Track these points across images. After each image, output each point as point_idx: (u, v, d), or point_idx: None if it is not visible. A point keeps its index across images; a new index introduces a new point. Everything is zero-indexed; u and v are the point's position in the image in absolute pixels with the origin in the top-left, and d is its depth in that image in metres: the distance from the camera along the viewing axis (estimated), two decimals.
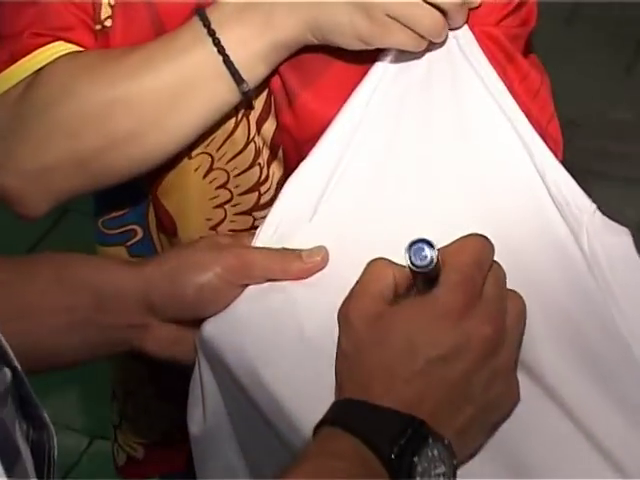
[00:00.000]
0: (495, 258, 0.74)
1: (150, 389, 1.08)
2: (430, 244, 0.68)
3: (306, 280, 0.80)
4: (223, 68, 0.81)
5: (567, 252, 0.76)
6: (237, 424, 0.82)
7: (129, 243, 0.97)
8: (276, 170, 0.88)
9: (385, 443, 0.65)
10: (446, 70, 0.83)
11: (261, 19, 0.81)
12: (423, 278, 0.71)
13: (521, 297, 0.72)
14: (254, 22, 0.81)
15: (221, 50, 0.80)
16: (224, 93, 0.82)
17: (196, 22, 0.82)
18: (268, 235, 0.81)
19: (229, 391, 0.81)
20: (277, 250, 0.80)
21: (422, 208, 0.80)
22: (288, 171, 0.87)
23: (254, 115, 0.87)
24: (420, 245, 0.68)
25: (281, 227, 0.81)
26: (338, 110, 0.83)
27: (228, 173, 0.89)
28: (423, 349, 0.68)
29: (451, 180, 0.80)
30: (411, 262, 0.68)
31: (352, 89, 0.82)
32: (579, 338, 0.74)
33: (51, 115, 0.84)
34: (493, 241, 0.76)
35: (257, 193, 0.89)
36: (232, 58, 0.81)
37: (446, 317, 0.69)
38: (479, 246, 0.72)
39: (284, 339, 0.77)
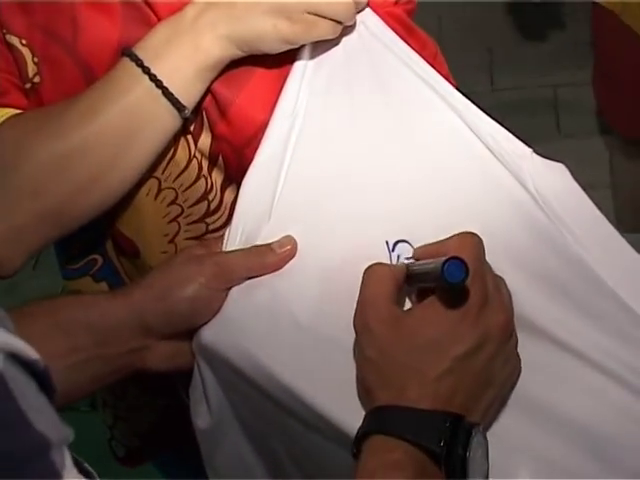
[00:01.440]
0: (453, 220, 0.83)
1: (135, 390, 1.15)
2: (462, 261, 0.72)
3: (280, 272, 0.87)
4: (164, 100, 0.87)
5: (517, 199, 0.84)
6: (243, 414, 0.90)
7: (92, 272, 1.03)
8: (218, 177, 0.95)
9: (436, 445, 0.71)
10: (361, 52, 0.91)
11: (188, 46, 0.86)
12: (437, 281, 0.76)
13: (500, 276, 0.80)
14: (182, 50, 0.87)
15: (159, 84, 0.86)
16: (168, 122, 0.88)
17: (127, 62, 0.87)
18: (235, 239, 0.88)
19: (233, 387, 0.88)
20: (249, 249, 0.87)
21: (369, 183, 0.88)
22: (229, 174, 0.95)
23: (190, 132, 0.93)
24: (453, 263, 0.72)
25: (245, 230, 0.88)
26: (269, 112, 0.90)
27: (176, 190, 0.95)
28: (450, 348, 0.74)
29: (392, 153, 0.88)
30: (446, 279, 0.72)
31: (278, 90, 0.90)
32: (547, 272, 0.83)
33: (10, 179, 0.88)
34: (446, 205, 0.85)
35: (206, 202, 0.96)
36: (170, 89, 0.86)
37: (466, 315, 0.75)
38: (476, 242, 0.78)
39: (281, 330, 0.84)
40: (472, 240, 0.78)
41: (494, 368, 0.76)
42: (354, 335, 0.83)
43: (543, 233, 0.84)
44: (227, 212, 0.96)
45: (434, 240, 0.85)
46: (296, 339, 0.85)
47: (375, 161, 0.89)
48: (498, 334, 0.76)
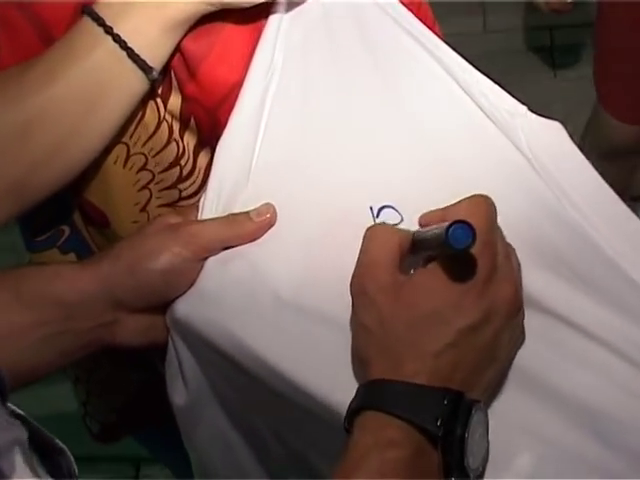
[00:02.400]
0: (441, 184, 0.78)
1: (109, 364, 1.11)
2: (468, 225, 0.66)
3: (258, 241, 0.82)
4: (129, 61, 0.81)
5: (511, 161, 0.79)
6: (221, 390, 0.86)
7: (59, 243, 0.98)
8: (190, 140, 0.90)
9: (432, 424, 0.67)
10: (340, 3, 0.85)
11: (154, 2, 0.81)
12: (442, 248, 0.70)
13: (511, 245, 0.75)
14: (147, 7, 0.81)
15: (123, 44, 0.80)
16: (135, 85, 0.83)
17: (88, 22, 0.81)
18: (212, 207, 0.84)
19: (210, 363, 0.84)
20: (226, 217, 0.83)
21: (352, 146, 0.83)
22: (202, 137, 0.89)
23: (158, 94, 0.87)
24: (459, 227, 0.66)
25: (222, 197, 0.84)
26: (243, 70, 0.84)
27: (146, 156, 0.90)
28: (453, 320, 0.69)
29: (377, 117, 0.83)
30: (450, 244, 0.66)
31: (253, 46, 0.85)
32: (542, 241, 0.78)
33: None
34: (433, 168, 0.81)
35: (178, 167, 0.90)
36: (136, 50, 0.80)
37: (473, 285, 0.70)
38: (488, 206, 0.72)
39: (260, 304, 0.80)
40: (483, 204, 0.73)
41: (499, 343, 0.72)
42: (340, 308, 0.78)
43: (538, 198, 0.79)
44: (201, 177, 0.91)
45: (421, 206, 0.80)
46: (277, 313, 0.80)
47: (359, 123, 0.84)
48: (506, 307, 0.71)
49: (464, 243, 0.66)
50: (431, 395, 0.68)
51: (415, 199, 0.81)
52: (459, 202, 0.74)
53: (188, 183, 0.91)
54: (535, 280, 0.77)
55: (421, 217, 0.79)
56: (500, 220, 0.77)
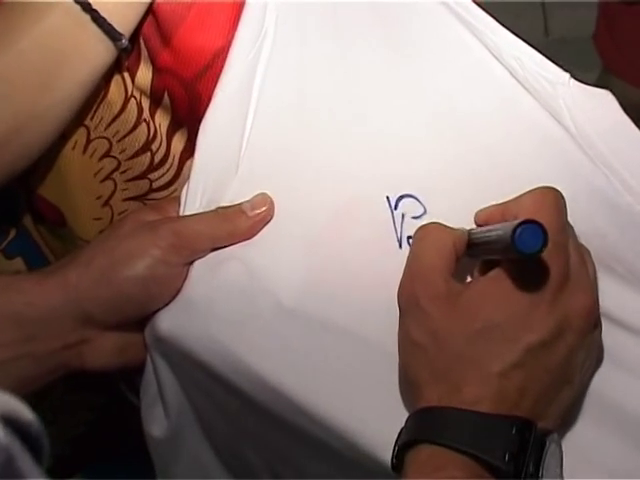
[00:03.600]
0: (471, 167, 0.67)
1: (60, 387, 0.95)
2: (539, 226, 0.55)
3: (253, 240, 0.69)
4: (93, 27, 0.67)
5: (553, 140, 0.67)
6: (208, 419, 0.73)
7: (2, 246, 0.83)
8: (162, 121, 0.76)
9: (500, 459, 0.56)
10: None
11: None
12: (506, 252, 0.60)
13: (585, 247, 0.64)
14: None
15: (86, 6, 0.66)
16: (100, 55, 0.69)
17: None
18: (195, 200, 0.70)
19: (197, 385, 0.71)
20: (215, 212, 0.69)
21: (362, 126, 0.70)
22: (178, 117, 0.75)
23: (125, 66, 0.73)
24: (527, 228, 0.55)
25: (207, 188, 0.70)
26: (228, 35, 0.70)
27: (109, 140, 0.75)
28: (520, 336, 0.59)
29: (391, 93, 0.70)
30: (518, 249, 0.56)
31: (237, 9, 0.70)
32: (593, 232, 0.66)
33: None
34: (460, 148, 0.68)
35: (149, 153, 0.76)
36: (102, 13, 0.66)
37: (543, 295, 0.59)
38: (557, 201, 0.61)
39: (258, 314, 0.68)
40: (551, 198, 0.61)
41: (573, 363, 0.61)
42: (354, 317, 0.67)
43: (586, 183, 0.67)
44: (175, 165, 0.77)
45: (448, 195, 0.68)
46: (279, 325, 0.68)
47: (369, 98, 0.70)
48: (580, 322, 0.60)
49: (534, 247, 0.55)
50: (498, 425, 0.57)
51: (440, 187, 0.69)
52: (521, 196, 0.63)
53: (160, 172, 0.77)
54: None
55: (477, 214, 0.67)
56: None
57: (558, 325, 0.59)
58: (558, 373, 0.60)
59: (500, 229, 0.59)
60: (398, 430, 0.61)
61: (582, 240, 0.65)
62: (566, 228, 0.62)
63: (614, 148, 0.67)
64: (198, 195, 0.70)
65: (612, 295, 0.66)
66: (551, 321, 0.59)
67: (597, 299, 0.62)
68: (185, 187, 0.70)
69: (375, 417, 0.65)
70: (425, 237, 0.64)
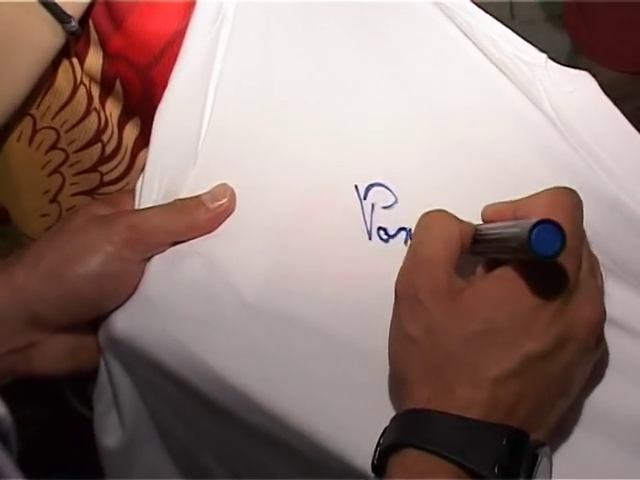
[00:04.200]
0: (444, 154, 0.64)
1: None
2: (558, 227, 0.52)
3: (215, 234, 0.65)
4: (40, 9, 0.63)
5: (530, 124, 0.63)
6: (167, 426, 0.69)
7: None
8: (114, 109, 0.71)
9: (489, 469, 0.53)
10: None
11: None
12: (517, 252, 0.56)
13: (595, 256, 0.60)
14: None
15: None
16: (47, 39, 0.64)
17: None
18: (152, 192, 0.66)
19: (155, 391, 0.67)
20: (173, 205, 0.65)
21: (329, 110, 0.66)
22: (130, 105, 0.71)
23: (74, 52, 0.69)
24: (546, 228, 0.52)
25: (164, 179, 0.66)
26: (183, 18, 0.66)
27: (57, 130, 0.71)
28: (521, 343, 0.55)
29: (360, 74, 0.66)
30: (534, 249, 0.52)
31: None
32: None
33: None
34: (433, 133, 0.65)
35: (99, 144, 0.72)
36: None
37: (550, 302, 0.55)
38: (574, 203, 0.57)
39: (221, 312, 0.64)
40: (567, 199, 0.58)
41: (572, 376, 0.57)
42: (325, 314, 0.63)
43: (564, 168, 0.63)
44: (128, 157, 0.73)
45: (420, 183, 0.65)
46: (242, 323, 0.64)
47: (337, 82, 0.66)
48: (585, 334, 0.57)
49: (551, 250, 0.52)
50: (488, 434, 0.54)
51: (412, 175, 0.65)
52: (536, 194, 0.59)
53: (112, 164, 0.73)
54: None
55: (485, 210, 0.63)
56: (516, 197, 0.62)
57: (561, 335, 0.56)
58: (556, 385, 0.57)
59: (514, 227, 0.55)
60: (370, 432, 0.58)
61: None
62: (581, 234, 0.58)
63: (595, 132, 0.64)
64: (154, 186, 0.66)
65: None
66: (554, 330, 0.56)
67: (605, 313, 0.58)
68: (140, 178, 0.66)
69: (346, 419, 0.61)
70: (431, 225, 0.60)
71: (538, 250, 0.51)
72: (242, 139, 0.66)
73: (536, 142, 0.64)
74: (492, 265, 0.59)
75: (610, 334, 0.61)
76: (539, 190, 0.62)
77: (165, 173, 0.66)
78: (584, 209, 0.61)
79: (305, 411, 0.61)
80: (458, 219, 0.60)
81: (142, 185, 0.66)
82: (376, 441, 0.56)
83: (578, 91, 0.64)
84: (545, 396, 0.56)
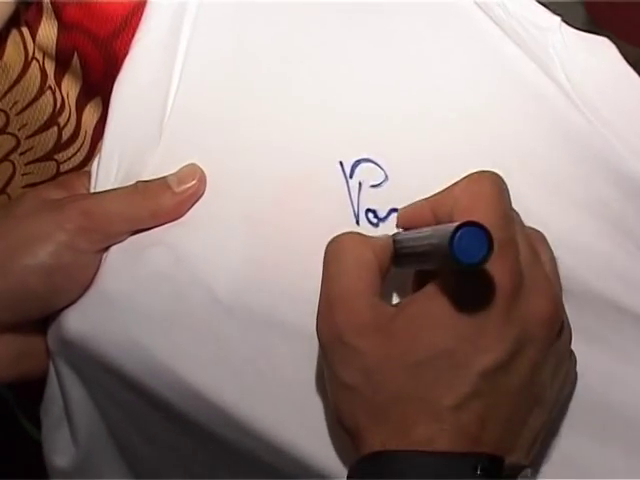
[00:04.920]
0: (442, 126, 0.57)
1: None
2: (482, 228, 0.45)
3: (181, 221, 0.58)
4: None
5: (541, 95, 0.57)
6: (126, 439, 0.61)
7: None
8: (71, 88, 0.64)
9: None
10: None
11: None
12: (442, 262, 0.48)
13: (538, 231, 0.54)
14: None
15: None
16: None
17: None
18: (110, 173, 0.58)
19: (112, 399, 0.59)
20: (134, 188, 0.58)
21: (309, 80, 0.59)
22: (90, 83, 0.64)
23: (23, 21, 0.61)
24: (468, 232, 0.44)
25: (124, 159, 0.59)
26: None
27: (6, 112, 0.63)
28: (472, 361, 0.48)
29: (347, 34, 0.59)
30: (459, 259, 0.45)
31: None
32: (592, 192, 0.57)
33: None
34: (430, 102, 0.58)
35: (55, 128, 0.64)
36: None
37: (492, 309, 0.48)
38: (498, 192, 0.50)
39: (189, 309, 0.56)
40: (489, 186, 0.50)
41: (540, 380, 0.50)
42: (304, 313, 0.55)
43: (581, 144, 0.57)
44: (88, 143, 0.65)
45: (412, 159, 0.58)
46: (213, 323, 0.56)
47: (319, 50, 0.60)
48: (542, 331, 0.50)
49: (478, 255, 0.44)
50: (459, 465, 0.47)
51: (403, 150, 0.58)
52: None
53: (70, 151, 0.65)
54: (587, 259, 0.56)
55: (400, 215, 0.57)
56: (525, 175, 0.56)
57: (516, 340, 0.49)
58: (523, 396, 0.50)
59: (433, 235, 0.48)
60: None
61: (584, 211, 0.56)
62: (511, 220, 0.51)
63: (614, 104, 0.57)
64: (113, 167, 0.58)
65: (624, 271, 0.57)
66: (506, 337, 0.48)
67: (559, 298, 0.52)
68: (96, 158, 0.58)
69: (333, 436, 0.54)
70: (340, 254, 0.52)
71: (463, 259, 0.44)
72: (212, 114, 0.59)
73: (547, 115, 0.58)
74: (423, 278, 0.52)
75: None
76: (548, 168, 0.55)
77: (125, 153, 0.58)
78: (605, 188, 0.55)
79: (285, 425, 0.54)
80: (369, 238, 0.52)
81: (98, 165, 0.58)
82: None
83: (596, 59, 0.58)
84: (514, 411, 0.49)
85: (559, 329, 0.51)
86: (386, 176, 0.58)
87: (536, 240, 0.53)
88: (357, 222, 0.58)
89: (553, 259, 0.54)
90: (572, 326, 0.53)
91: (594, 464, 0.55)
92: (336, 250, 0.52)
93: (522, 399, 0.50)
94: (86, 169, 0.65)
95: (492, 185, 0.50)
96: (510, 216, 0.51)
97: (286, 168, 0.59)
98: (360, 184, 0.58)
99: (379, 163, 0.58)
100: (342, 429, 0.52)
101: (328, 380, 0.52)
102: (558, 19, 0.58)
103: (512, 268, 0.49)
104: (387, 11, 0.59)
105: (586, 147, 0.57)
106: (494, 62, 0.58)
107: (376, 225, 0.58)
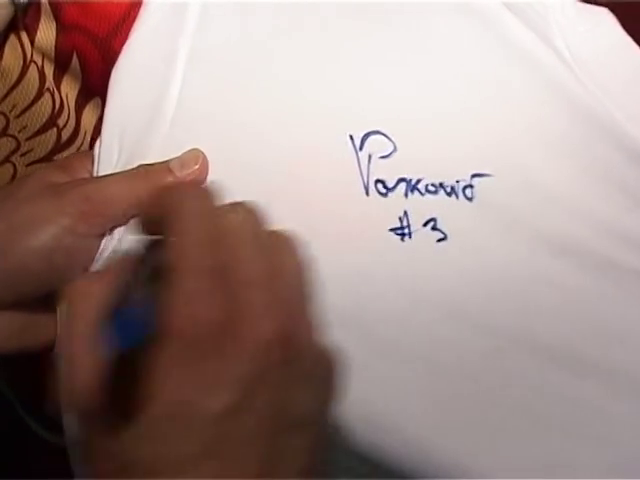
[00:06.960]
0: (449, 98, 0.57)
1: None
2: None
3: None
4: None
5: (541, 64, 0.57)
6: None
7: None
8: (70, 90, 0.64)
9: None
10: None
11: None
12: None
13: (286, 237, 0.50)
14: None
15: None
16: None
17: None
18: (112, 156, 0.58)
19: None
20: (136, 171, 0.57)
21: (318, 54, 0.59)
22: (89, 84, 0.64)
23: (22, 25, 0.62)
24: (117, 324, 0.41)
25: (126, 142, 0.58)
26: None
27: (6, 115, 0.63)
28: (197, 411, 0.43)
29: (352, 16, 0.59)
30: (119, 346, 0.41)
31: None
32: (591, 155, 0.57)
33: None
34: (437, 75, 0.58)
35: (54, 129, 0.64)
36: None
37: (198, 349, 0.44)
38: (172, 209, 0.47)
39: None
40: (167, 203, 0.49)
41: (292, 405, 0.46)
42: (317, 284, 0.53)
43: (581, 115, 0.57)
44: (87, 143, 0.65)
45: (420, 129, 0.58)
46: None
47: (327, 24, 0.59)
48: (276, 355, 0.45)
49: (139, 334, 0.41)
50: None
51: (411, 122, 0.58)
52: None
53: (70, 152, 0.65)
54: (588, 218, 0.56)
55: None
56: (523, 146, 0.56)
57: (242, 377, 0.44)
58: (272, 429, 0.45)
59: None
60: None
61: (587, 174, 0.56)
62: (199, 242, 0.46)
63: (614, 72, 0.57)
64: (114, 151, 0.57)
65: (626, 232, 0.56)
66: (228, 377, 0.44)
67: (288, 319, 0.46)
68: (98, 142, 0.58)
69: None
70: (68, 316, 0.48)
71: (123, 345, 0.40)
72: (220, 93, 0.58)
73: (549, 87, 0.57)
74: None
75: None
76: (551, 140, 0.55)
77: (127, 137, 0.57)
78: (604, 150, 0.54)
79: None
80: (94, 283, 0.49)
81: (100, 150, 0.57)
82: None
83: (597, 29, 0.58)
84: (264, 445, 0.44)
85: (295, 345, 0.46)
86: (395, 147, 0.58)
87: (277, 249, 0.49)
88: (367, 193, 0.57)
89: (299, 266, 0.49)
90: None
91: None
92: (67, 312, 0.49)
93: (269, 430, 0.45)
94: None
95: (170, 199, 0.48)
96: (195, 235, 0.46)
97: (295, 144, 0.58)
98: (370, 156, 0.57)
99: (388, 134, 0.58)
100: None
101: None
102: None
103: (208, 303, 0.44)
104: None
105: (585, 117, 0.57)
106: (494, 33, 0.58)
107: (385, 195, 0.57)
